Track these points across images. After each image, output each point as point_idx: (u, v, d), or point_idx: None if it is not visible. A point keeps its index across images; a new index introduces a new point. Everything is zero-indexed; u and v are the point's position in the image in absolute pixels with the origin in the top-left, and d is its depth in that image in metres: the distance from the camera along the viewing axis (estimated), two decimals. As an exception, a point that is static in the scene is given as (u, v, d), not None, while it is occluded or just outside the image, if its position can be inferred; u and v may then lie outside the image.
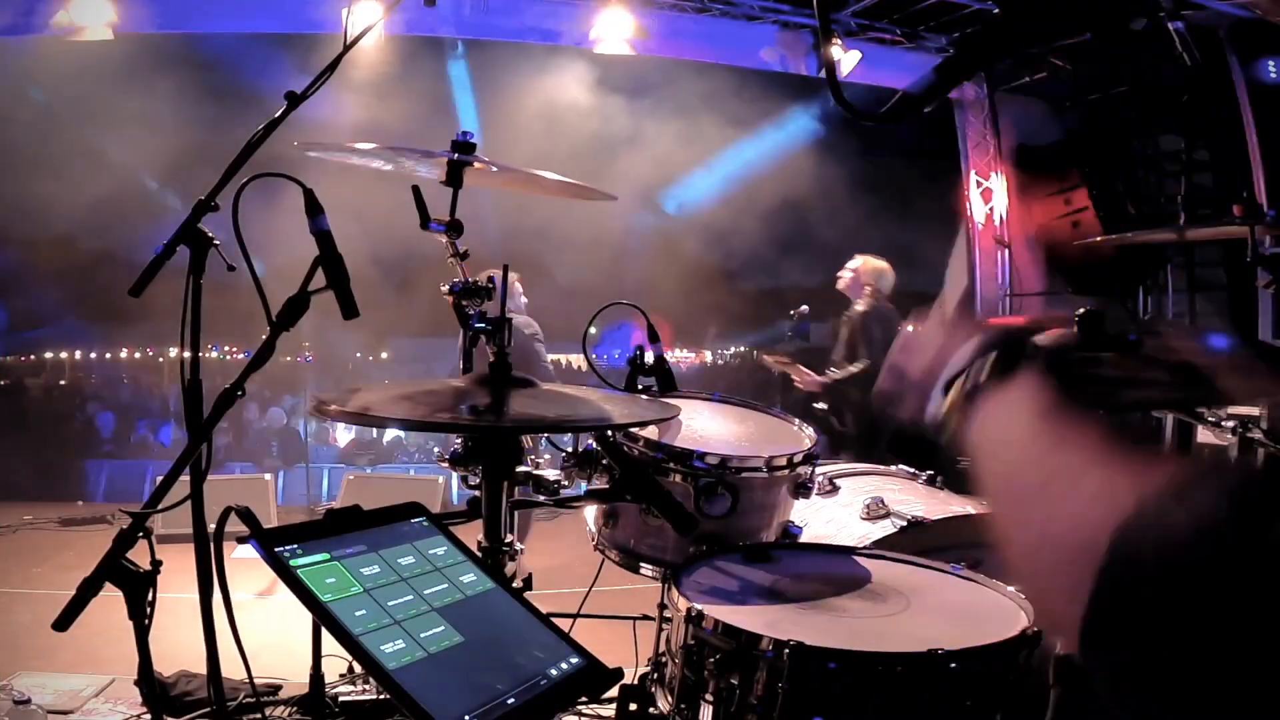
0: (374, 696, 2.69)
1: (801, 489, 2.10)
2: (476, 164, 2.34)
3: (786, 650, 1.42)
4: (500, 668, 1.36)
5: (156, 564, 1.69)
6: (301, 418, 10.76)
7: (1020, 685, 1.50)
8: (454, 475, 2.05)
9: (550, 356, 5.64)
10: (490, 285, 2.20)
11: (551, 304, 6.25)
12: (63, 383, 16.44)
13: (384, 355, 18.98)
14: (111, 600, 1.65)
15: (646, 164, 9.11)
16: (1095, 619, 0.61)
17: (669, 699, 1.67)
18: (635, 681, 1.86)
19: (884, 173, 10.68)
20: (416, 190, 2.21)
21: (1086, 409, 0.79)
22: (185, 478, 1.79)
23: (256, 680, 1.86)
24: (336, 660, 2.55)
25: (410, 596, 1.41)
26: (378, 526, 1.54)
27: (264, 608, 4.36)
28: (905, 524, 2.26)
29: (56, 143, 8.80)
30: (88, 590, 1.61)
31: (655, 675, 1.80)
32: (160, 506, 1.76)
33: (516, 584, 1.92)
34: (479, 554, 1.75)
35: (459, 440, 2.01)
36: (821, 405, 5.59)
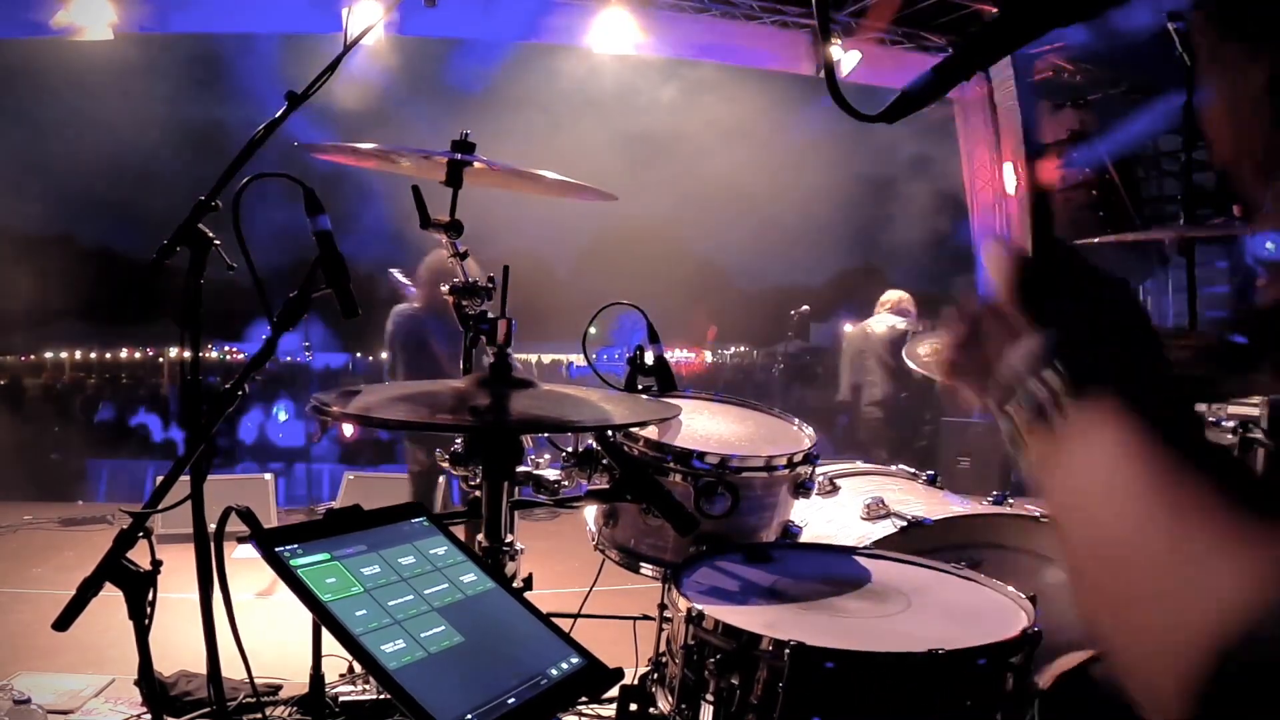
0: (374, 696, 2.69)
1: (801, 489, 2.10)
2: (476, 164, 2.34)
3: (787, 650, 1.42)
4: (500, 668, 1.36)
5: (156, 564, 1.69)
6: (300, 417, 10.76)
7: (1021, 685, 1.50)
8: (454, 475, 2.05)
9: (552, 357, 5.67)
10: (490, 285, 2.20)
11: (554, 303, 6.25)
12: (63, 382, 16.42)
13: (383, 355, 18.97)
14: (111, 600, 1.65)
15: (646, 164, 9.11)
16: None
17: (669, 699, 1.66)
18: (635, 681, 1.86)
19: (883, 173, 10.69)
20: (416, 190, 2.20)
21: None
22: (185, 477, 1.80)
23: (256, 680, 1.86)
24: (336, 660, 2.55)
25: (410, 596, 1.41)
26: (378, 526, 1.54)
27: (264, 608, 4.36)
28: (905, 524, 2.25)
29: (57, 142, 8.81)
30: (88, 590, 1.62)
31: (655, 675, 1.80)
32: (160, 506, 1.76)
33: (516, 584, 1.92)
34: (479, 554, 1.75)
35: (459, 440, 2.01)
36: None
